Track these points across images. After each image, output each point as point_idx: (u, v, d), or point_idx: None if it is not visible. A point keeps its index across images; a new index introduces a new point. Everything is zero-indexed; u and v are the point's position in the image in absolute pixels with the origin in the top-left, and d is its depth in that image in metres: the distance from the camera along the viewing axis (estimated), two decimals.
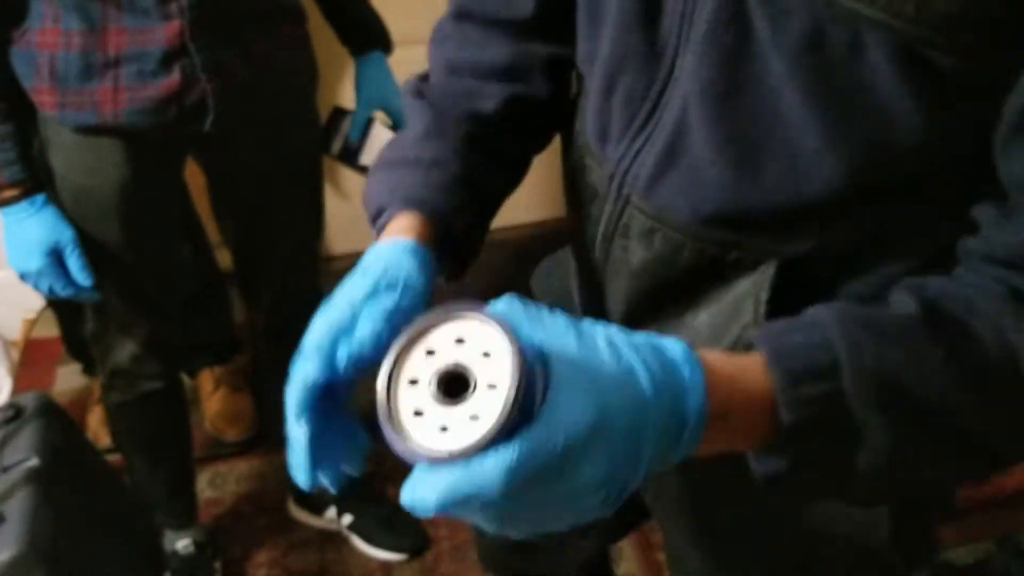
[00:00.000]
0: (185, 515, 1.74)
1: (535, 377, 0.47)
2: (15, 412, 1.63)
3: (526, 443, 0.46)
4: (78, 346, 2.16)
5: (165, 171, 1.40)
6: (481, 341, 0.47)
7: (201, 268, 2.03)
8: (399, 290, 0.62)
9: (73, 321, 2.12)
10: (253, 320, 1.75)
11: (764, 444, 0.54)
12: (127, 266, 1.39)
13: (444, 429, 0.46)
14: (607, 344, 0.50)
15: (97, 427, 2.06)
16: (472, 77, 0.78)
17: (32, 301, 2.47)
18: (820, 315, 0.54)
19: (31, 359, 2.38)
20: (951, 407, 0.52)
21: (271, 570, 1.83)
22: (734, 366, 0.53)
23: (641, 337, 0.52)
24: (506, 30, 0.79)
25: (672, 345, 0.52)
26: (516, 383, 0.45)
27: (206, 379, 2.14)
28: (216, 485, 1.99)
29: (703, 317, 0.68)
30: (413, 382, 0.48)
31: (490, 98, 0.78)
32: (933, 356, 0.52)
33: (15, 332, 2.47)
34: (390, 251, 0.65)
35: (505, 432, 0.45)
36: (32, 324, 2.49)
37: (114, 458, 1.87)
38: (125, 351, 1.50)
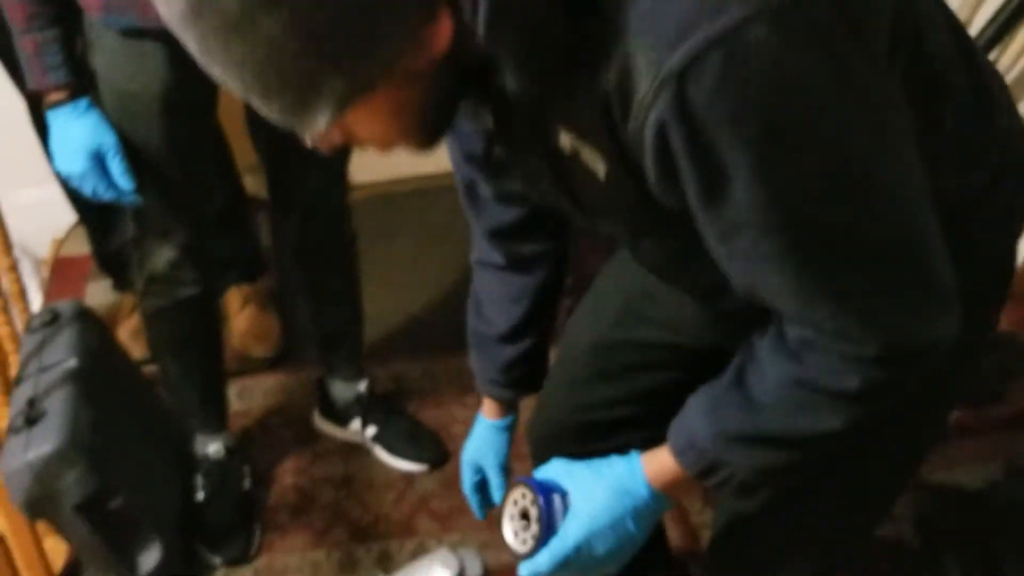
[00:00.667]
0: (216, 420, 1.80)
1: (555, 512, 0.91)
2: (52, 316, 1.68)
3: (550, 547, 0.90)
4: (108, 260, 2.21)
5: (206, 77, 1.42)
6: (522, 493, 0.95)
7: (227, 185, 2.07)
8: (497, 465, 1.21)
9: (104, 235, 2.17)
10: (279, 242, 1.80)
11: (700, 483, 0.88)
12: (167, 171, 1.42)
13: (535, 535, 0.92)
14: (596, 478, 0.90)
15: (128, 341, 2.11)
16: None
17: (60, 221, 2.52)
18: (689, 409, 0.88)
19: (61, 277, 2.43)
20: (761, 429, 0.83)
21: (298, 478, 1.90)
22: (658, 459, 0.89)
23: (614, 467, 0.90)
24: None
25: (629, 468, 0.90)
26: (538, 524, 0.91)
27: (233, 297, 2.18)
28: (243, 398, 2.04)
29: None
30: (515, 534, 0.94)
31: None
32: (737, 405, 0.83)
33: (44, 251, 2.52)
34: (486, 433, 1.23)
35: (542, 542, 0.91)
36: (61, 243, 2.54)
37: (145, 371, 1.95)
38: (163, 257, 1.55)
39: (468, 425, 1.97)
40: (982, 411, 1.67)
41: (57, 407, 1.51)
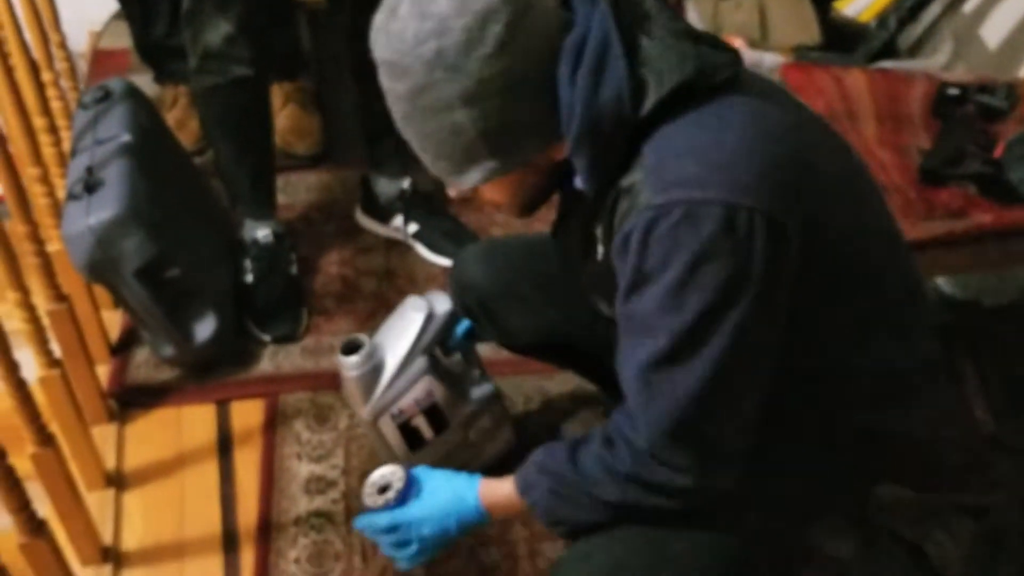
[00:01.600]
0: (266, 205, 1.83)
1: (409, 495, 1.17)
2: (104, 94, 1.69)
3: (392, 513, 1.16)
4: (150, 51, 2.20)
5: None
6: (391, 471, 1.20)
7: None
8: None
9: (146, 24, 2.14)
10: (329, 36, 1.76)
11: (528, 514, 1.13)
12: None
13: (386, 501, 1.17)
14: (443, 482, 1.17)
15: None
16: None
17: (96, 14, 2.49)
18: (532, 464, 1.11)
19: (100, 71, 2.42)
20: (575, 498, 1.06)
21: (342, 268, 1.95)
22: (493, 485, 1.14)
23: (460, 479, 1.17)
24: None
25: (469, 483, 1.16)
26: (395, 494, 1.17)
27: (275, 95, 2.17)
28: (287, 193, 2.07)
29: None
30: (369, 495, 1.20)
31: None
32: (564, 480, 1.06)
33: (82, 45, 2.50)
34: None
35: (403, 493, 1.17)
36: (98, 36, 2.52)
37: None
38: (218, 32, 1.54)
39: (507, 228, 2.04)
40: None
41: (114, 177, 1.54)
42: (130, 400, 1.68)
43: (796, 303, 0.98)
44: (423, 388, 1.37)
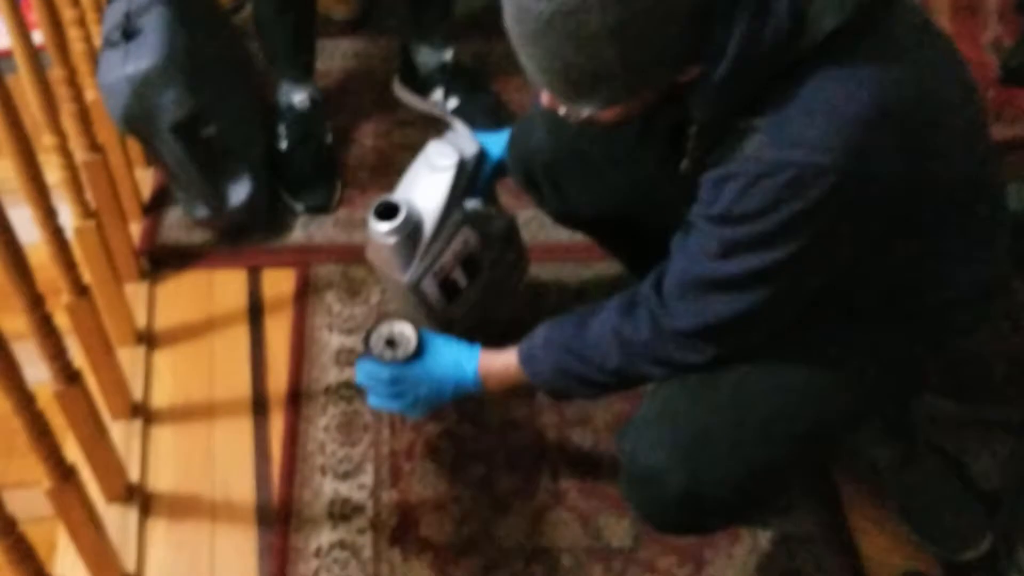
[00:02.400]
0: (303, 69, 1.77)
1: (414, 354, 1.21)
2: None
3: (394, 367, 1.21)
4: None
5: None
6: (401, 328, 1.24)
7: None
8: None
9: None
10: None
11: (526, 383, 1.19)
12: None
13: (394, 356, 1.22)
14: (447, 349, 1.22)
15: None
16: None
17: None
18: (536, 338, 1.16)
19: None
20: (571, 344, 1.12)
21: (377, 141, 1.89)
22: (492, 357, 1.20)
23: (461, 348, 1.22)
24: None
25: (470, 354, 1.21)
26: (403, 352, 1.22)
27: None
28: (323, 59, 1.99)
29: None
30: (375, 344, 1.24)
31: None
32: (570, 350, 1.11)
33: None
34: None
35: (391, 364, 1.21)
36: None
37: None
38: None
39: None
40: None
41: (153, 26, 1.48)
42: (161, 260, 1.66)
43: (875, 241, 0.98)
44: (461, 240, 1.32)
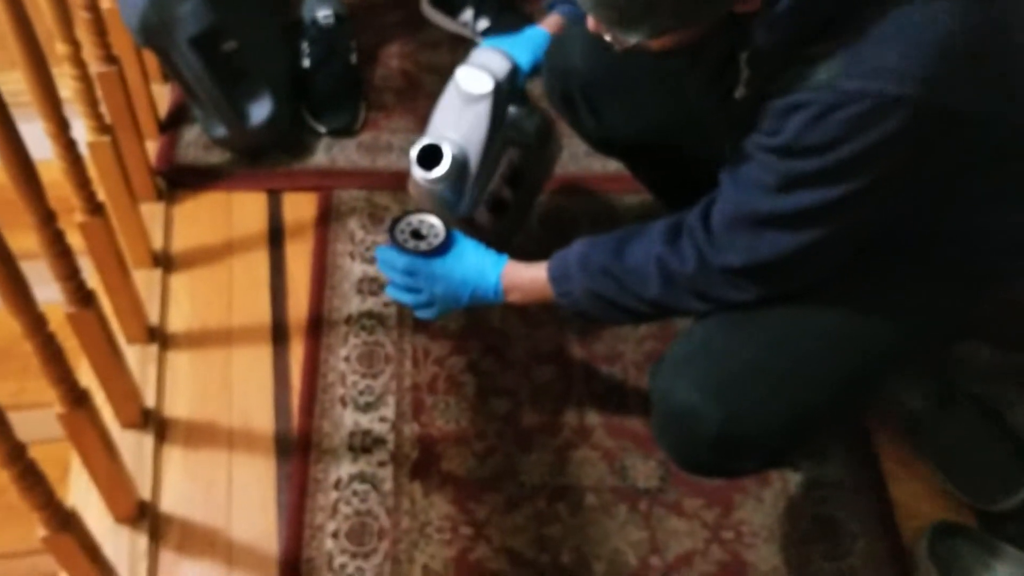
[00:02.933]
0: None
1: (441, 248, 1.16)
2: None
3: (414, 259, 1.15)
4: None
5: None
6: (431, 222, 1.19)
7: None
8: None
9: None
10: None
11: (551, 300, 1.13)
12: None
13: (416, 247, 1.16)
14: (473, 252, 1.16)
15: None
16: None
17: None
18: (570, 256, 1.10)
19: None
20: (609, 266, 1.06)
21: (403, 62, 1.82)
22: (519, 268, 1.14)
23: (489, 255, 1.16)
24: None
25: (495, 261, 1.15)
26: (427, 245, 1.16)
27: None
28: None
29: None
30: (402, 231, 1.19)
31: None
32: (607, 274, 1.06)
33: None
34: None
35: (438, 249, 1.16)
36: None
37: None
38: None
39: None
40: None
41: None
42: (179, 180, 1.60)
43: (938, 182, 0.93)
44: (505, 162, 1.27)
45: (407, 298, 1.19)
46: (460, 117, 1.21)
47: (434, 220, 1.20)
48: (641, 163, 1.35)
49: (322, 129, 1.68)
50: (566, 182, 1.65)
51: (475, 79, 1.19)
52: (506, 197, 1.33)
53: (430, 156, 1.19)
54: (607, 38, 0.90)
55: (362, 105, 1.72)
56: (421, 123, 1.75)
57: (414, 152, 1.19)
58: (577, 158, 1.68)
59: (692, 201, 1.04)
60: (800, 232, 0.92)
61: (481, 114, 1.19)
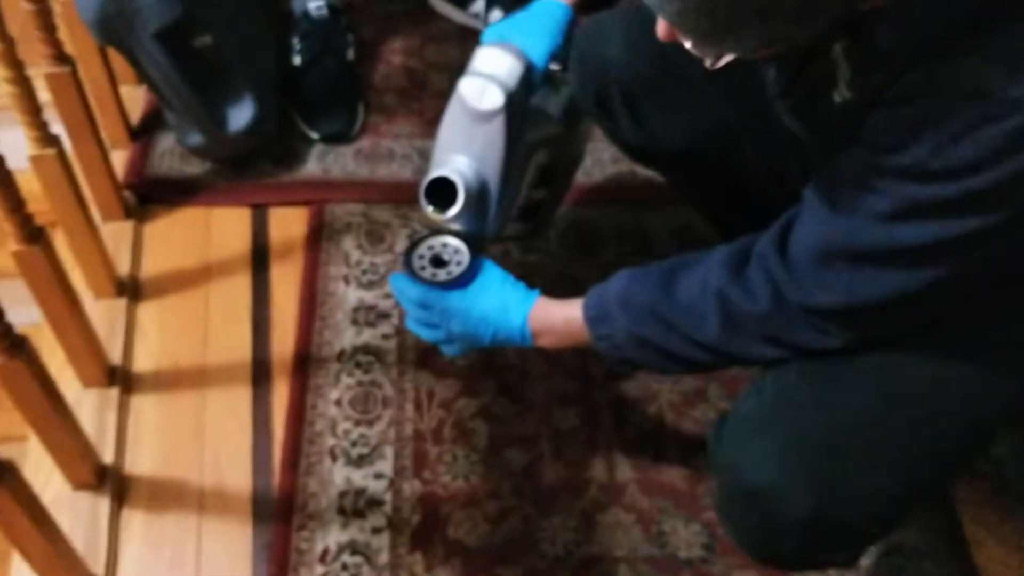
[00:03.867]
0: None
1: (462, 279, 0.98)
2: None
3: (429, 292, 0.97)
4: None
5: None
6: (456, 247, 1.01)
7: None
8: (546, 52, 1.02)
9: None
10: None
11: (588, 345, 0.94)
12: None
13: (433, 275, 0.99)
14: (497, 288, 0.97)
15: None
16: None
17: None
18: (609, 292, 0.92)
19: None
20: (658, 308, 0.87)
21: (408, 59, 1.62)
22: (550, 307, 0.96)
23: (517, 290, 0.97)
24: None
25: (522, 299, 0.96)
26: (447, 276, 0.98)
27: None
28: None
29: None
30: (420, 257, 1.00)
31: None
32: (654, 314, 0.87)
33: None
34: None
35: (458, 280, 0.98)
36: None
37: None
38: None
39: None
40: None
41: None
42: (151, 194, 1.42)
43: None
44: (533, 169, 1.08)
45: (424, 334, 1.01)
46: (471, 137, 1.00)
47: (458, 244, 1.01)
48: (690, 179, 1.14)
49: (314, 135, 1.49)
50: (589, 192, 1.45)
51: (482, 92, 0.97)
52: (538, 198, 1.13)
53: (441, 189, 0.99)
54: (688, 47, 0.68)
55: (360, 108, 1.52)
56: (427, 127, 1.56)
57: (423, 187, 1.00)
58: (602, 164, 1.49)
59: (752, 225, 0.84)
60: (914, 271, 0.73)
61: (494, 132, 0.99)
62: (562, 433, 1.21)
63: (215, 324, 1.29)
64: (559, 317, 0.94)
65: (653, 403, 1.24)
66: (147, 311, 1.30)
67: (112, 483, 1.12)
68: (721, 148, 1.01)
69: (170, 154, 1.46)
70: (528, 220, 1.14)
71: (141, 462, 1.16)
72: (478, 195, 1.00)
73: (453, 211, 0.98)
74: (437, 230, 1.02)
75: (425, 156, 1.48)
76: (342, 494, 1.14)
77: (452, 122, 1.01)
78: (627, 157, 1.16)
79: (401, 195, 1.43)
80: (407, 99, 1.57)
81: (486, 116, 0.98)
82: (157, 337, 1.27)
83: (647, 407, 1.24)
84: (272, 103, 1.43)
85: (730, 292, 0.82)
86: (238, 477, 1.16)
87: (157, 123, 1.48)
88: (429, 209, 1.00)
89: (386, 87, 1.59)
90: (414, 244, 1.02)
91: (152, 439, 1.18)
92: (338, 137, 1.49)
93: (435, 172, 0.99)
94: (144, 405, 1.21)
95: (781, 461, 0.80)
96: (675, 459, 1.19)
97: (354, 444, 1.18)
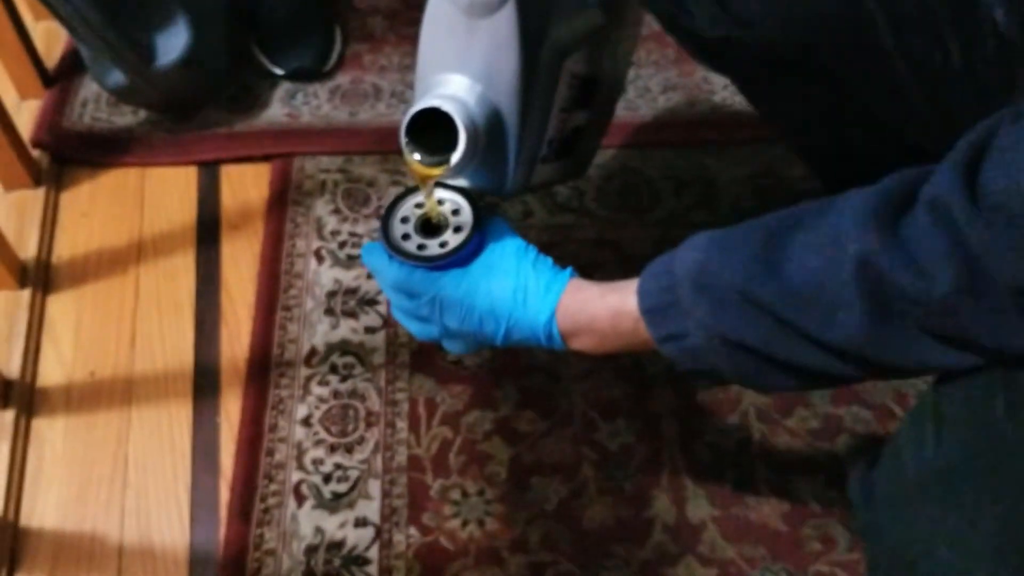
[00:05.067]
0: None
1: (463, 254, 0.66)
2: None
3: (418, 274, 0.66)
4: None
5: None
6: (455, 204, 0.69)
7: None
8: None
9: None
10: None
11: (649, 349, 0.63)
12: None
13: (420, 248, 0.66)
14: (510, 265, 0.65)
15: None
16: None
17: None
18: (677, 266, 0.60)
19: None
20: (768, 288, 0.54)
21: None
22: (589, 300, 0.63)
23: (540, 268, 0.65)
24: None
25: (550, 281, 0.65)
26: (463, 240, 0.66)
27: None
28: None
29: None
30: (404, 220, 0.68)
31: None
32: (752, 294, 0.55)
33: None
34: None
35: (454, 255, 0.65)
36: None
37: None
38: None
39: None
40: None
41: None
42: (69, 154, 1.10)
43: None
44: (564, 85, 0.74)
45: (413, 329, 0.70)
46: (468, 44, 0.66)
47: (458, 200, 0.68)
48: (790, 94, 0.77)
49: (278, 71, 1.17)
50: (635, 132, 1.12)
51: None
52: (576, 124, 0.79)
53: (432, 128, 0.65)
54: None
55: (336, 34, 1.20)
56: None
57: (404, 126, 0.65)
58: (650, 96, 1.16)
59: (878, 170, 0.52)
60: None
61: (503, 33, 0.65)
62: (610, 455, 0.89)
63: (146, 320, 0.98)
64: (602, 309, 0.63)
65: (733, 410, 0.92)
66: (58, 306, 0.99)
67: (4, 543, 0.83)
68: (849, 42, 0.65)
69: (95, 103, 1.14)
70: (562, 154, 0.80)
71: (41, 512, 0.86)
72: (488, 132, 0.66)
73: (453, 159, 0.65)
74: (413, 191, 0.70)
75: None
76: (310, 550, 0.83)
77: (438, 24, 0.68)
78: (694, 58, 0.80)
79: (390, 144, 1.11)
80: (397, 22, 1.25)
81: (486, 6, 0.65)
82: (70, 340, 0.96)
83: (725, 416, 0.91)
84: (217, 27, 1.10)
85: (882, 262, 0.49)
86: (170, 529, 0.85)
87: (79, 65, 1.17)
88: (415, 158, 0.66)
89: (370, 7, 1.26)
90: (395, 201, 0.69)
91: (58, 475, 0.88)
92: (309, 73, 1.17)
93: (421, 103, 0.66)
94: (49, 432, 0.90)
95: (995, 563, 0.48)
96: (768, 488, 0.87)
97: (327, 479, 0.87)
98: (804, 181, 1.06)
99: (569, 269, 0.66)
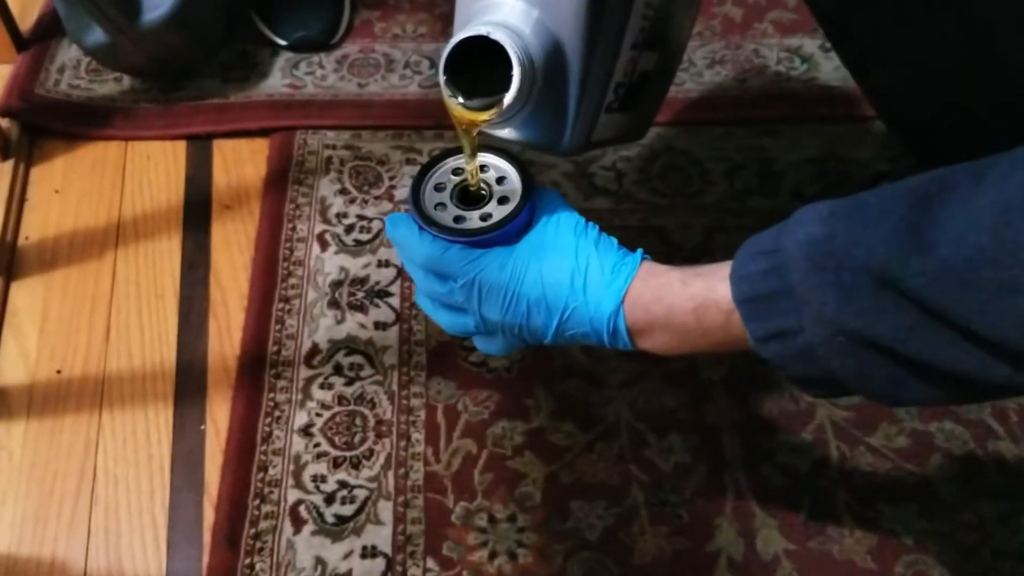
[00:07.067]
0: None
1: (511, 230, 0.54)
2: None
3: (456, 251, 0.54)
4: None
5: None
6: (501, 171, 0.57)
7: None
8: None
9: None
10: None
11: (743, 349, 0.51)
12: None
13: (458, 220, 0.55)
14: (570, 243, 0.53)
15: None
16: None
17: None
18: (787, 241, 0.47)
19: None
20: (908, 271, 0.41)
21: None
22: (670, 288, 0.51)
23: (607, 251, 0.53)
24: None
25: (617, 264, 0.53)
26: (510, 212, 0.54)
27: None
28: None
29: None
30: (439, 187, 0.57)
31: None
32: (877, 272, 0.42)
33: None
34: None
35: (498, 229, 0.53)
36: None
37: None
38: None
39: None
40: None
41: None
42: (42, 124, 0.98)
43: None
44: (636, 22, 0.61)
45: (444, 320, 0.57)
46: None
47: (505, 166, 0.56)
48: (915, 36, 0.63)
49: (281, 42, 1.04)
50: (682, 110, 1.00)
51: None
52: (647, 68, 0.66)
53: (477, 63, 0.52)
54: None
55: (345, 1, 1.08)
56: (443, 25, 1.12)
57: (443, 60, 0.52)
58: (696, 70, 1.03)
59: (987, 144, 0.40)
60: None
61: None
62: (663, 476, 0.76)
63: (123, 310, 0.85)
64: (683, 298, 0.50)
65: (806, 425, 0.79)
66: (24, 293, 0.86)
67: None
68: None
69: (73, 68, 1.02)
70: (627, 108, 0.67)
71: None
72: (546, 69, 0.53)
73: (506, 100, 0.52)
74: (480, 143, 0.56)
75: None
76: None
77: None
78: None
79: (404, 118, 0.98)
80: None
81: None
82: (35, 332, 0.83)
83: (797, 432, 0.78)
84: None
85: None
86: (143, 555, 0.72)
87: (57, 28, 1.04)
88: (458, 100, 0.53)
89: None
90: (428, 166, 0.57)
91: (14, 488, 0.75)
92: (314, 45, 1.04)
93: (466, 31, 0.52)
94: (6, 439, 0.77)
95: None
96: (851, 517, 0.74)
97: (330, 500, 0.74)
98: (874, 163, 0.94)
99: (639, 251, 0.53)
